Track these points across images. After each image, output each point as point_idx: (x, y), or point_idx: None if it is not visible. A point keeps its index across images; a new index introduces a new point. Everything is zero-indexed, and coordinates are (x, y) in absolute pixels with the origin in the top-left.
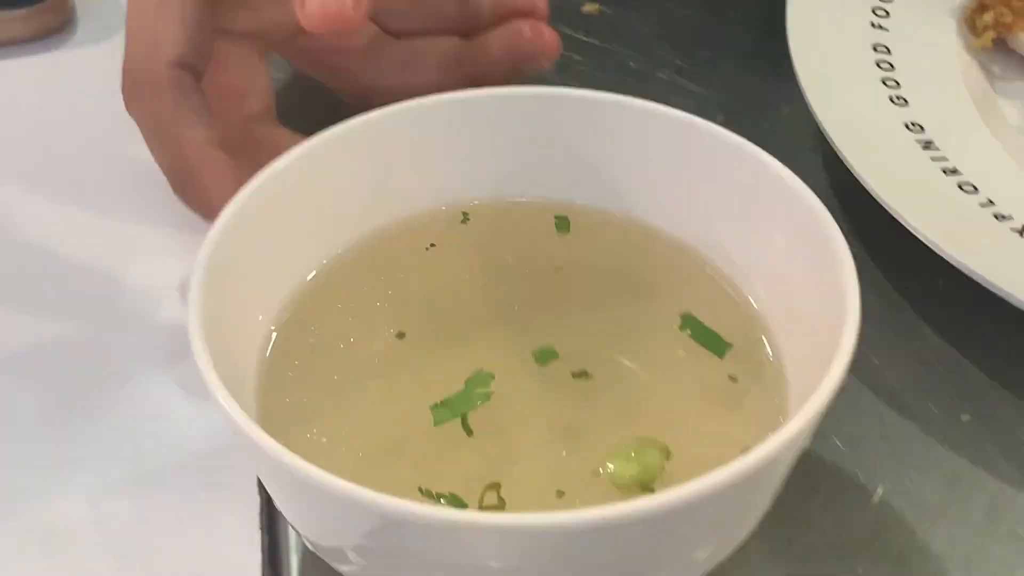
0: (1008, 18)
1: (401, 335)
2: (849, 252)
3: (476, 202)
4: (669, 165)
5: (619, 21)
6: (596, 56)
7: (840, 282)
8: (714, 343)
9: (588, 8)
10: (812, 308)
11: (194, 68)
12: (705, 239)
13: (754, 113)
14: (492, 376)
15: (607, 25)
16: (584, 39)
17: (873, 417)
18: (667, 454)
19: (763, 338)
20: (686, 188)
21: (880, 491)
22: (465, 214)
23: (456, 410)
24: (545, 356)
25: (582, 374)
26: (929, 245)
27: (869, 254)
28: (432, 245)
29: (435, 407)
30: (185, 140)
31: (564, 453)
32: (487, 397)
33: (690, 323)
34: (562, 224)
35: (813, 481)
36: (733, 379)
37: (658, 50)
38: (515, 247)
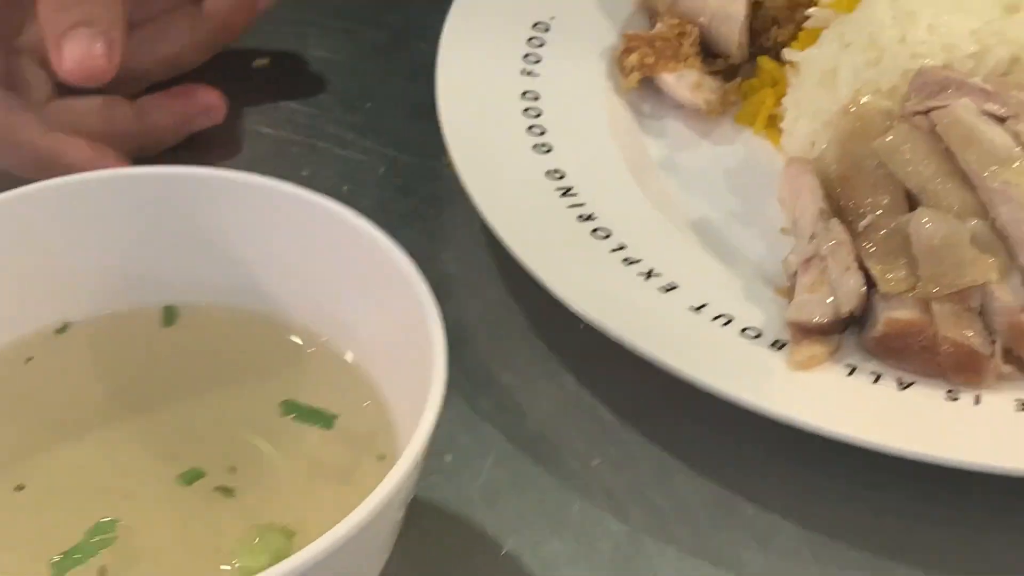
0: (651, 59)
1: (20, 487)
2: (435, 309)
3: (79, 307)
4: (270, 239)
5: (289, 74)
6: (266, 112)
7: (430, 345)
8: (319, 418)
9: (259, 63)
10: (412, 367)
11: None
12: (311, 311)
13: (420, 165)
14: (115, 521)
15: (276, 77)
16: (255, 93)
17: (510, 467)
18: (290, 535)
19: (371, 400)
20: (290, 263)
21: (509, 544)
22: (65, 324)
23: (77, 562)
24: (189, 477)
25: (199, 475)
26: (558, 299)
27: (518, 301)
28: (30, 359)
29: (55, 562)
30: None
31: (197, 563)
32: (110, 542)
33: (292, 407)
34: (169, 317)
35: (445, 536)
36: (347, 445)
37: (326, 103)
38: (122, 352)
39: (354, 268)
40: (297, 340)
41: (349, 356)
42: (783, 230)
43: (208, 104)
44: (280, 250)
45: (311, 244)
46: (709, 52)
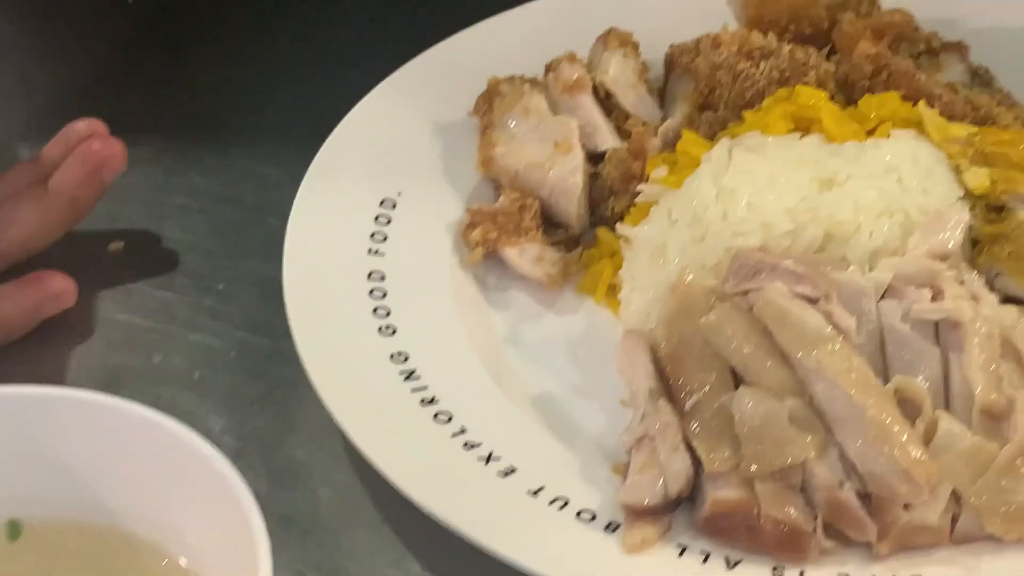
0: (494, 234)
1: None
2: (256, 512)
3: None
4: (104, 453)
5: (144, 257)
6: (120, 297)
7: (255, 547)
8: None
9: (113, 247)
10: (243, 570)
11: None
12: (146, 520)
13: (271, 347)
14: None
15: (131, 260)
16: (110, 276)
17: None
18: None
19: None
20: (123, 474)
21: None
22: None
23: None
24: None
25: None
26: (398, 489)
27: (367, 487)
28: None
29: None
30: None
31: None
32: None
33: None
34: (14, 530)
35: None
36: None
37: (179, 285)
38: None
39: (179, 475)
40: (136, 549)
41: (183, 562)
42: (622, 402)
43: (58, 290)
44: (114, 463)
45: (139, 455)
46: (551, 222)
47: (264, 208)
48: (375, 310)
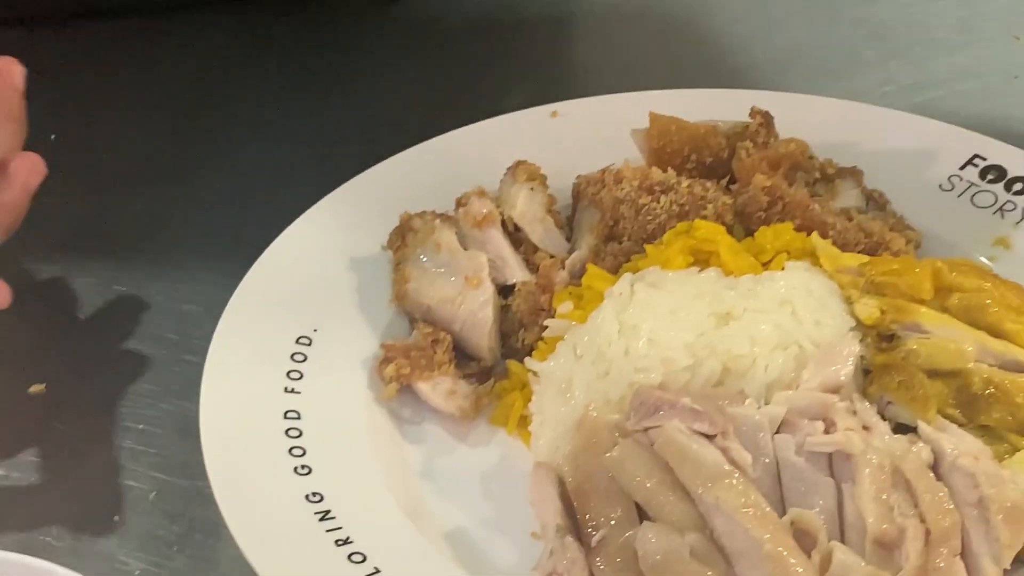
0: (407, 369)
1: None
2: None
3: None
4: None
5: (65, 400)
6: (42, 440)
7: None
8: None
9: (35, 389)
10: None
11: None
12: None
13: (190, 488)
14: None
15: (52, 406)
16: (31, 421)
17: None
18: None
19: None
20: None
21: None
22: None
23: None
24: None
25: None
26: None
27: None
28: None
29: None
30: None
31: None
32: None
33: None
34: None
35: None
36: None
37: (98, 424)
38: None
39: None
40: None
41: None
42: (534, 535)
43: None
44: None
45: None
46: (464, 355)
47: (183, 346)
48: (291, 450)
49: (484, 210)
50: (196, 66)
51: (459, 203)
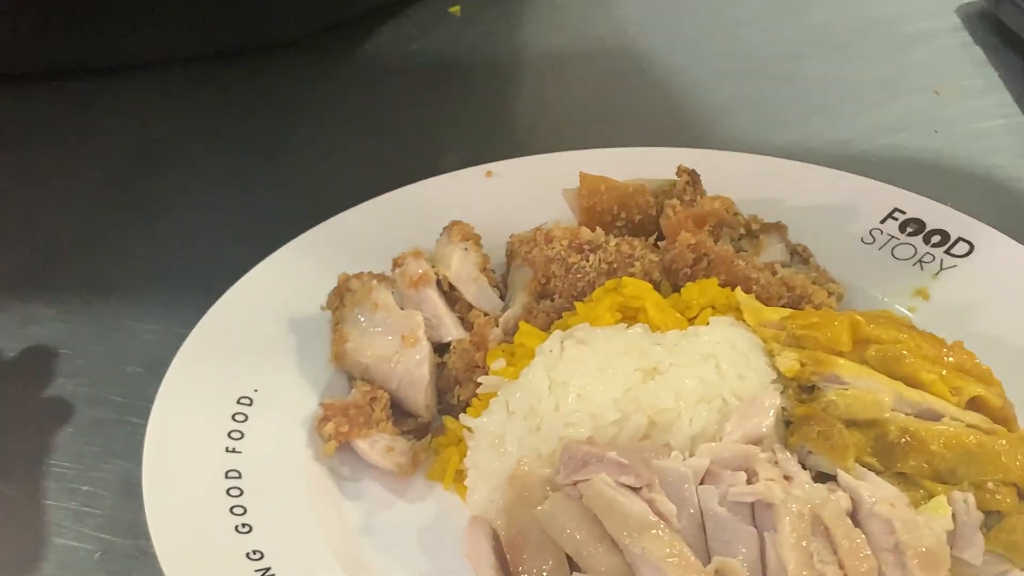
0: (345, 427)
1: None
2: None
3: None
4: None
5: (6, 463)
6: None
7: None
8: None
9: None
10: None
11: None
12: None
13: (134, 547)
14: None
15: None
16: None
17: None
18: None
19: None
20: None
21: None
22: None
23: None
24: None
25: None
26: None
27: None
28: None
29: None
30: None
31: None
32: None
33: None
34: None
35: None
36: None
37: (44, 486)
38: None
39: None
40: None
41: None
42: None
43: None
44: None
45: None
46: (401, 412)
47: (127, 408)
48: (232, 508)
49: (420, 270)
50: (142, 128)
51: (396, 264)
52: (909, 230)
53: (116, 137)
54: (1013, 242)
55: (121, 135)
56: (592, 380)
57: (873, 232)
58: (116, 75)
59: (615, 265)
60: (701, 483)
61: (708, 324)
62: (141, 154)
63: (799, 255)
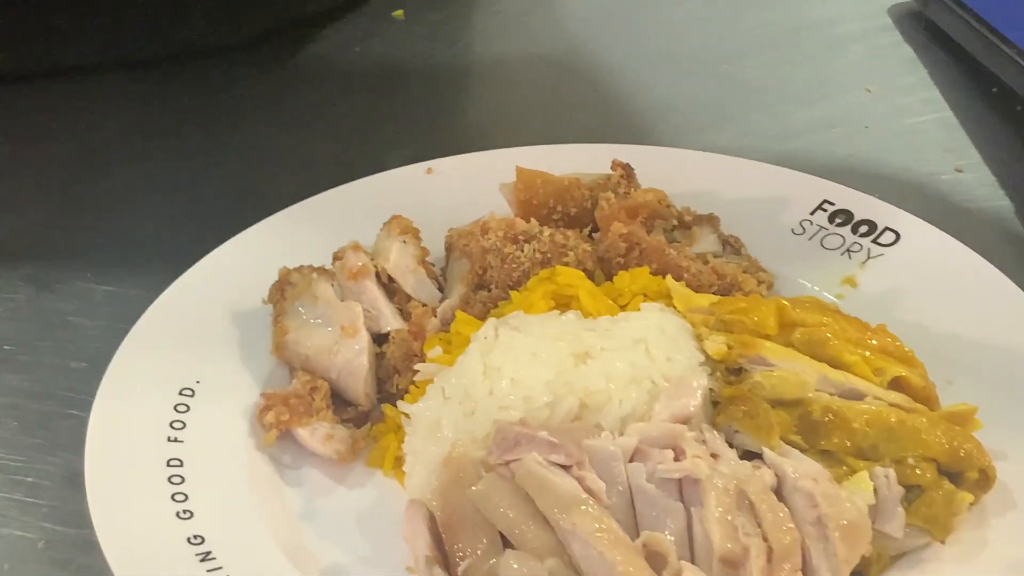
0: (286, 416)
1: None
2: None
3: None
4: None
5: None
6: None
7: None
8: None
9: None
10: None
11: None
12: None
13: (77, 537)
14: None
15: None
16: None
17: None
18: None
19: None
20: None
21: None
22: None
23: None
24: None
25: None
26: None
27: None
28: None
29: None
30: None
31: None
32: None
33: None
34: None
35: None
36: None
37: None
38: None
39: None
40: None
41: None
42: (408, 569)
43: None
44: None
45: None
46: (341, 401)
47: (72, 402)
48: (173, 495)
49: (359, 263)
50: (86, 131)
51: (336, 257)
52: (838, 221)
53: (60, 140)
54: (938, 231)
55: (64, 138)
56: (525, 365)
57: (803, 223)
58: (58, 80)
59: (549, 255)
60: (630, 461)
61: (639, 310)
62: (84, 156)
63: (731, 246)
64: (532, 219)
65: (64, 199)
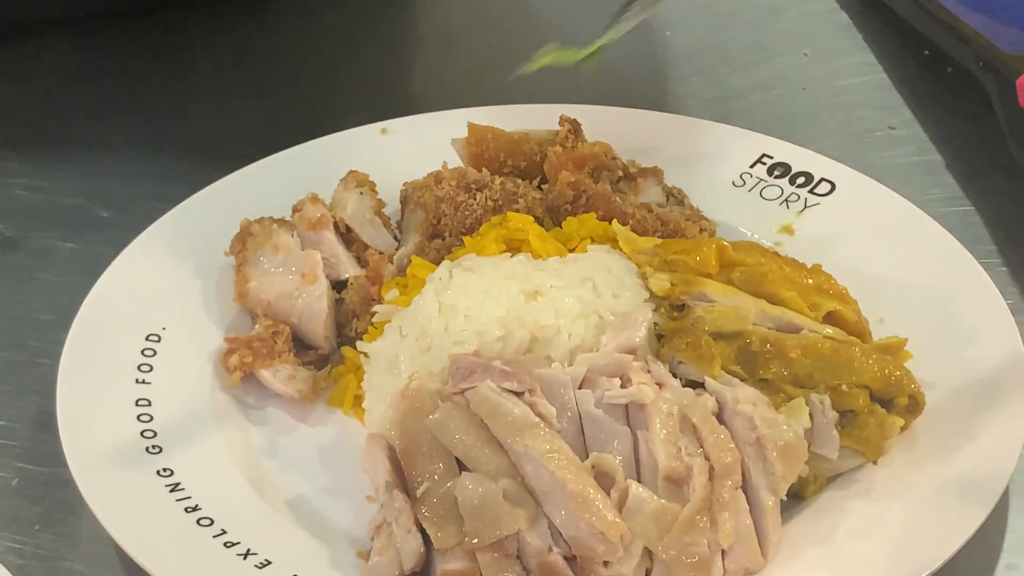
0: (250, 358)
1: None
2: None
3: None
4: None
5: None
6: None
7: None
8: None
9: None
10: None
11: None
12: None
13: (50, 475)
14: None
15: None
16: None
17: None
18: None
19: None
20: None
21: None
22: None
23: None
24: None
25: None
26: None
27: None
28: None
29: None
30: None
31: None
32: None
33: None
34: None
35: None
36: None
37: None
38: None
39: None
40: None
41: None
42: (369, 498)
43: None
44: None
45: None
46: (303, 345)
47: (41, 351)
48: (143, 432)
49: (318, 214)
50: (42, 93)
51: (295, 209)
52: (776, 173)
53: (15, 101)
54: (871, 180)
55: (23, 99)
56: (478, 302)
57: (743, 175)
58: (12, 40)
59: (500, 202)
60: (579, 389)
61: (586, 252)
62: (44, 116)
63: (674, 197)
64: (484, 169)
65: (26, 156)
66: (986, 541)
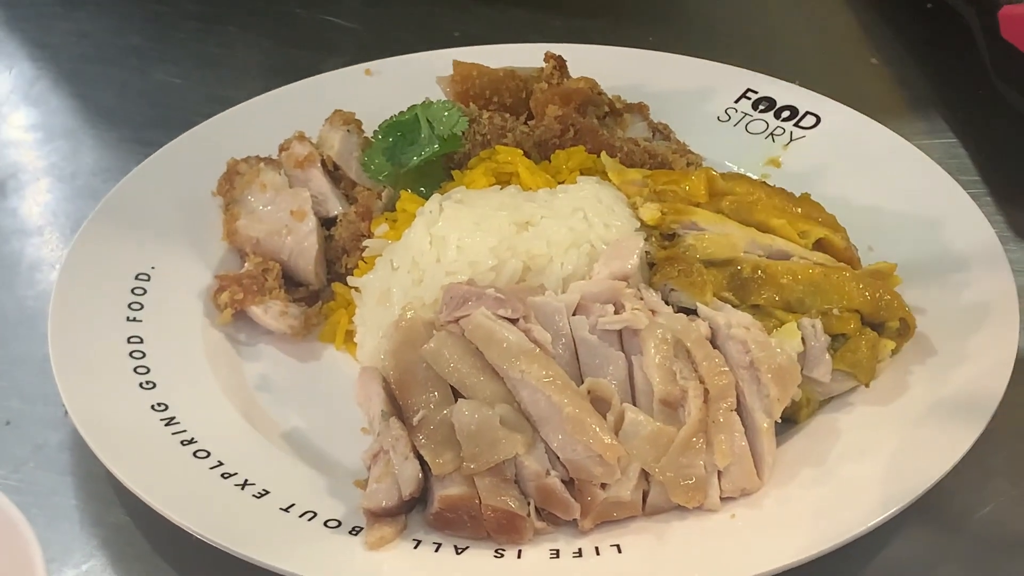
0: (240, 295)
1: None
2: (36, 544)
3: None
4: None
5: None
6: None
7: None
8: None
9: None
10: None
11: None
12: None
13: (44, 413)
14: None
15: None
16: None
17: None
18: None
19: None
20: None
21: None
22: None
23: None
24: None
25: None
26: (165, 515)
27: (139, 527)
28: None
29: None
30: None
31: None
32: None
33: None
34: None
35: None
36: None
37: None
38: None
39: None
40: None
41: None
42: (363, 430)
43: None
44: None
45: None
46: (293, 282)
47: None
48: (135, 368)
49: (305, 152)
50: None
51: (282, 148)
52: (761, 107)
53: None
54: (856, 112)
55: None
56: (470, 233)
57: (728, 110)
58: None
59: (489, 136)
60: (573, 315)
61: (576, 183)
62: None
63: (660, 132)
64: (471, 104)
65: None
66: (981, 462)
